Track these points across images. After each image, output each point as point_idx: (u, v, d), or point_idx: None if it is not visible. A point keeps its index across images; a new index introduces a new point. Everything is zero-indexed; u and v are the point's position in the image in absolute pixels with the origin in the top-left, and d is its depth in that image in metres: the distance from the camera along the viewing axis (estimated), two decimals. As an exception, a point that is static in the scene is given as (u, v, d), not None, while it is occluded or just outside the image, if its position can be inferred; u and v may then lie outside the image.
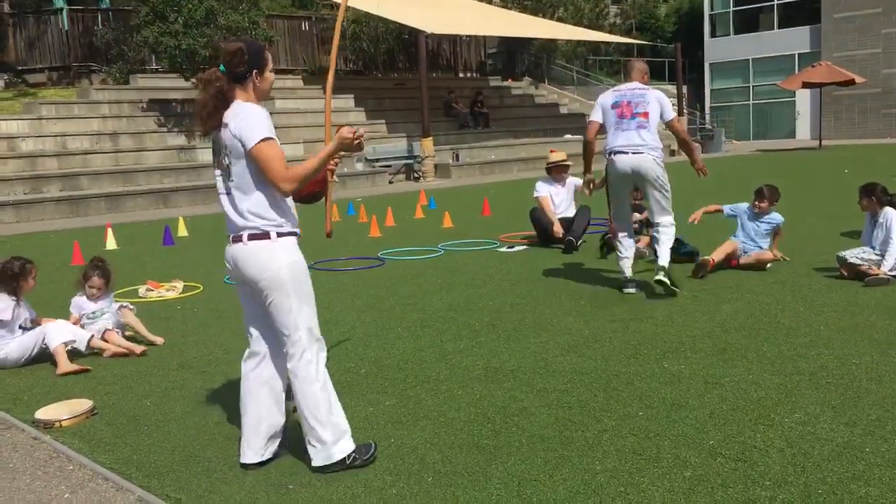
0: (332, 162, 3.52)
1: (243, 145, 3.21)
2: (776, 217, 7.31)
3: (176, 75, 19.65)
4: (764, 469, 3.25)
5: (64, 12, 22.12)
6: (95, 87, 20.63)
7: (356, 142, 3.36)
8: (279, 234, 3.30)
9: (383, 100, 24.31)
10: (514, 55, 31.71)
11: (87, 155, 17.44)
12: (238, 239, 3.31)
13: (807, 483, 3.12)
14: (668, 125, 6.46)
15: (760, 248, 7.25)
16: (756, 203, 7.29)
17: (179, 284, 7.49)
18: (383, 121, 22.28)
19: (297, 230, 3.40)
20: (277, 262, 3.28)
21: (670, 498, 3.04)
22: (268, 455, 3.52)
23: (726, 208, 7.47)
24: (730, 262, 7.22)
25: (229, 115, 3.26)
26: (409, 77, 26.70)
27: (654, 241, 6.57)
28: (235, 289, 3.53)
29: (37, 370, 5.19)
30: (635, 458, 3.40)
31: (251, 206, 3.27)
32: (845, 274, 6.65)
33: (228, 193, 3.33)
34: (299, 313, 3.33)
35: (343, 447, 3.40)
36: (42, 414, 4.19)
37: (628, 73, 6.85)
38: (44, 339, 5.25)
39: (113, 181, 16.57)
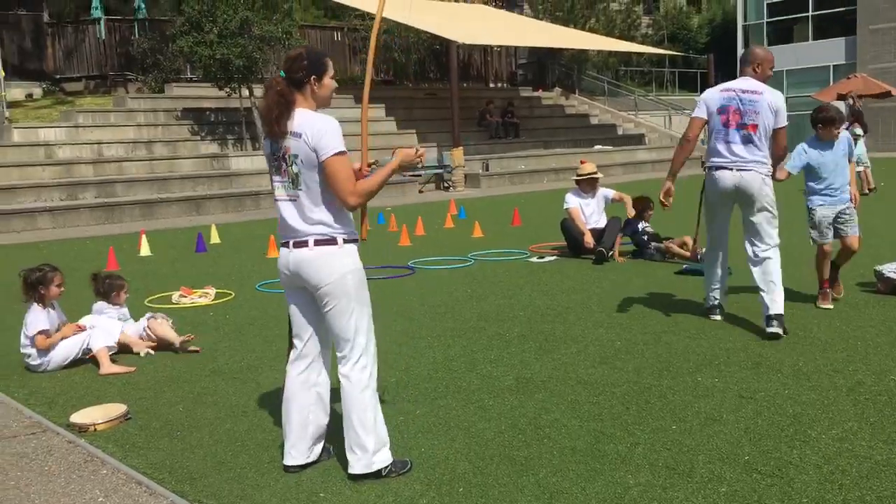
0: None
1: (318, 156, 3.26)
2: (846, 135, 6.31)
3: (210, 84, 19.88)
4: (801, 486, 3.20)
5: (101, 22, 22.50)
6: (131, 96, 20.92)
7: (417, 162, 3.53)
8: (345, 241, 3.38)
9: (414, 109, 24.38)
10: (544, 66, 31.68)
11: (122, 162, 17.69)
12: (302, 244, 3.35)
13: (845, 501, 3.06)
14: (774, 133, 5.54)
15: (847, 184, 6.22)
16: (833, 130, 6.14)
17: (212, 291, 7.56)
18: (414, 130, 22.34)
19: (358, 237, 3.48)
20: (343, 267, 3.35)
21: (705, 513, 3.00)
22: (312, 458, 3.56)
23: (790, 168, 6.11)
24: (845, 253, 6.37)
25: (301, 125, 3.29)
26: (440, 87, 26.78)
27: (757, 282, 5.58)
28: (286, 294, 3.54)
29: (72, 374, 5.25)
30: (669, 473, 3.36)
31: (320, 213, 3.33)
32: (882, 289, 6.54)
33: (294, 200, 3.35)
34: (360, 318, 3.40)
35: (383, 457, 3.41)
36: (77, 418, 4.24)
37: (742, 62, 5.84)
38: (87, 344, 5.37)
39: (147, 188, 16.77)
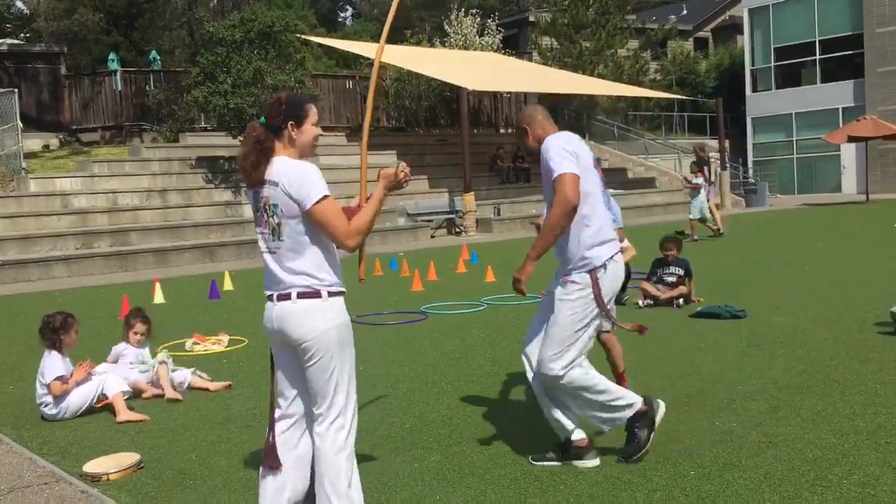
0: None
1: (300, 205, 3.10)
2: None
3: (224, 133, 20.15)
4: (824, 533, 3.14)
5: (118, 74, 22.92)
6: (146, 146, 21.22)
7: (402, 177, 3.32)
8: (330, 294, 3.16)
9: (425, 156, 24.60)
10: (554, 111, 31.96)
11: (136, 211, 17.87)
12: (285, 297, 3.16)
13: (870, 548, 3.00)
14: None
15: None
16: None
17: (225, 338, 7.56)
18: (425, 176, 22.49)
19: (344, 288, 3.26)
20: (326, 322, 3.13)
21: (726, 562, 2.94)
22: None
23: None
24: None
25: (278, 173, 3.13)
26: (451, 133, 27.04)
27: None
28: (272, 350, 3.35)
29: (86, 423, 5.24)
30: (688, 520, 3.31)
31: (303, 264, 3.15)
32: (900, 330, 6.43)
33: (275, 252, 3.20)
34: (341, 376, 3.17)
35: None
36: (90, 467, 4.22)
37: (539, 121, 4.42)
38: (102, 389, 5.37)
39: (161, 236, 16.90)
